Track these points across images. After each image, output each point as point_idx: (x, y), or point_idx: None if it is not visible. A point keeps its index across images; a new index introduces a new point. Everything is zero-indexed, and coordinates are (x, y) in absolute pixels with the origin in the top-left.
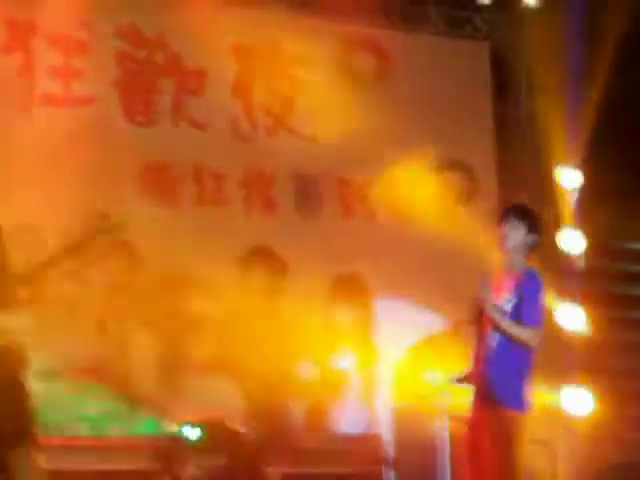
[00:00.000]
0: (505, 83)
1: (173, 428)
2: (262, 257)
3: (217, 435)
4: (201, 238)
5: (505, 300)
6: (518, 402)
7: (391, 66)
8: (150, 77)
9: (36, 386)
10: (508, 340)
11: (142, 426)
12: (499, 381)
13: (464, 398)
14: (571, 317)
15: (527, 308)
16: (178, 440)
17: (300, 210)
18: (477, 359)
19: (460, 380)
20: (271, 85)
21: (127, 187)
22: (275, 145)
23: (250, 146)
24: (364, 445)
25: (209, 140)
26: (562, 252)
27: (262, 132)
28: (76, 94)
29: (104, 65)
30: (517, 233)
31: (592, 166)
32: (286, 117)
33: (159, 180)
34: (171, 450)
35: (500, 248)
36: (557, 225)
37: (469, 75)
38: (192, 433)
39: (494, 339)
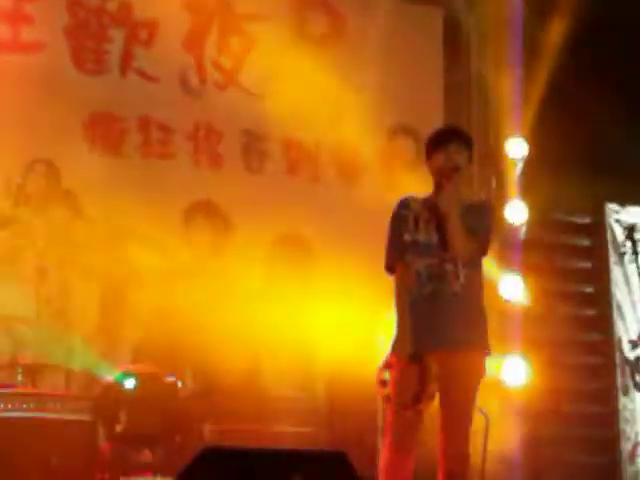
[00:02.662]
0: (457, 51)
1: (109, 376)
2: (206, 211)
3: (152, 387)
4: (146, 190)
5: None
6: None
7: (344, 28)
8: (100, 26)
9: None
10: None
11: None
12: None
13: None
14: (512, 287)
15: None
16: (112, 390)
17: (247, 167)
18: None
19: None
20: (223, 40)
21: (72, 136)
22: (224, 101)
23: (199, 100)
24: (299, 405)
25: (158, 92)
26: (506, 222)
27: (212, 87)
28: (25, 40)
29: (54, 12)
30: (465, 161)
31: (539, 138)
32: (237, 73)
33: (105, 130)
34: (105, 400)
35: (446, 177)
36: (502, 195)
37: (422, 41)
38: (128, 382)
39: None
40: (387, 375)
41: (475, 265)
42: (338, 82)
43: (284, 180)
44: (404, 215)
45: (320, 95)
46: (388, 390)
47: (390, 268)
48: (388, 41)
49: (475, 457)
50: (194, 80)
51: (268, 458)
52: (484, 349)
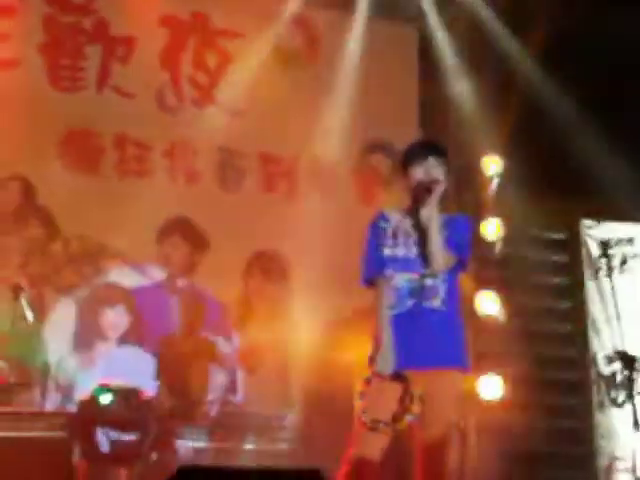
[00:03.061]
0: (432, 68)
1: (86, 391)
2: (182, 228)
3: (129, 404)
4: (122, 207)
5: None
6: None
7: (320, 45)
8: (76, 43)
9: None
10: None
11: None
12: None
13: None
14: (488, 303)
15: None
16: (88, 407)
17: (223, 184)
18: None
19: None
20: (199, 57)
21: (48, 153)
22: (201, 117)
23: (175, 117)
24: (275, 423)
25: (134, 109)
26: (482, 239)
27: (188, 104)
28: (1, 57)
29: (31, 29)
30: (443, 176)
31: (514, 154)
32: (213, 90)
33: (81, 147)
34: (81, 418)
35: (427, 191)
36: (478, 212)
37: (397, 58)
38: (104, 397)
39: None
40: (365, 389)
41: (454, 281)
42: (314, 98)
43: (260, 197)
44: (383, 228)
45: (296, 111)
46: (365, 404)
47: (368, 281)
48: (363, 58)
49: (450, 472)
50: (170, 97)
51: (244, 476)
52: (465, 366)
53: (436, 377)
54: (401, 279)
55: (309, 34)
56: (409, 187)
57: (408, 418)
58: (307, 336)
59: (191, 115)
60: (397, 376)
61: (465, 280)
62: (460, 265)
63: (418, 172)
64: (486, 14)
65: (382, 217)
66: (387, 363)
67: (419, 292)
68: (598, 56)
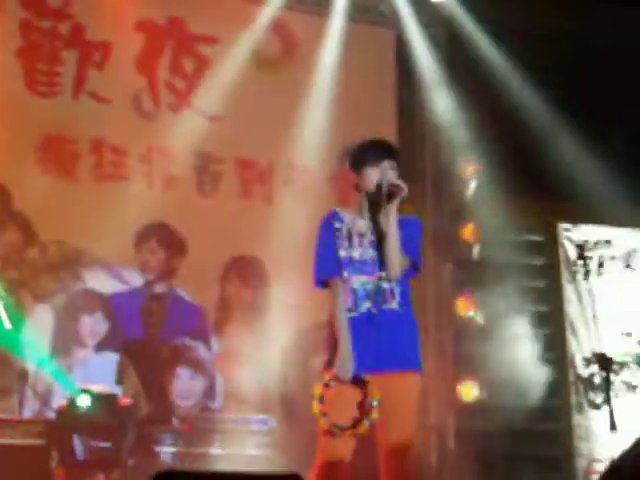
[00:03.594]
0: (409, 71)
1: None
2: (159, 233)
3: (107, 409)
4: (99, 212)
5: None
6: None
7: (297, 50)
8: (53, 48)
9: None
10: None
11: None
12: None
13: None
14: (466, 306)
15: None
16: (66, 415)
17: (200, 189)
18: None
19: None
20: (176, 62)
21: (25, 158)
22: (178, 122)
23: (152, 122)
24: (253, 428)
25: (111, 114)
26: (459, 242)
27: (165, 109)
28: None
29: (7, 34)
30: (396, 177)
31: (491, 157)
32: (190, 95)
33: (57, 152)
34: (59, 425)
35: (388, 196)
36: (455, 216)
37: (374, 62)
38: (83, 400)
39: None
40: (325, 393)
41: (406, 283)
42: (291, 103)
43: (237, 202)
44: (337, 228)
45: (273, 116)
46: (324, 407)
47: (321, 283)
48: (341, 62)
49: (428, 474)
50: (147, 102)
51: None
52: (419, 368)
53: (395, 380)
54: (358, 282)
55: (286, 39)
56: (361, 187)
57: (367, 423)
58: (284, 341)
59: (168, 120)
60: (357, 380)
61: (442, 283)
62: (413, 268)
63: (372, 174)
64: (463, 17)
65: (335, 216)
66: (346, 367)
67: (376, 295)
68: (574, 60)
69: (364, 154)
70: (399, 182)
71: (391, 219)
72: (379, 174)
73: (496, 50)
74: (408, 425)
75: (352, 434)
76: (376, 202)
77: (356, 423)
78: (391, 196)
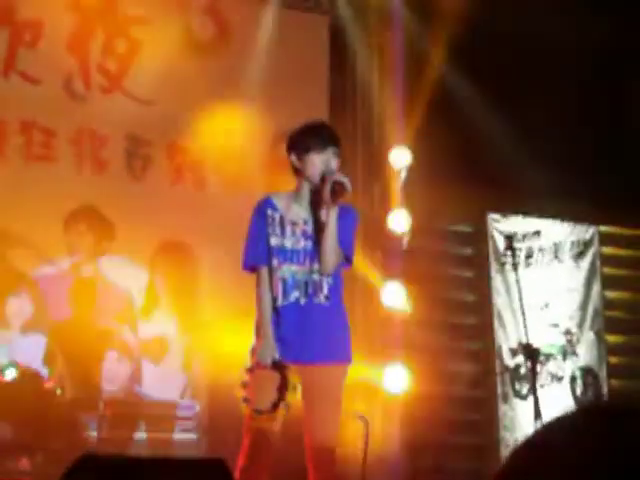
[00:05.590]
0: (342, 59)
1: None
2: (88, 217)
3: (32, 391)
4: (27, 194)
5: None
6: None
7: (231, 35)
8: None
9: None
10: None
11: None
12: None
13: None
14: (394, 295)
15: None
16: None
17: (130, 172)
18: None
19: None
20: (108, 44)
21: None
22: (109, 105)
23: (83, 104)
24: (180, 412)
25: (41, 95)
26: (389, 231)
27: (96, 91)
28: None
29: None
30: (338, 166)
31: (422, 147)
32: (122, 78)
33: None
34: None
35: (334, 190)
36: (385, 204)
37: (308, 49)
38: (9, 372)
39: None
40: (248, 378)
41: (338, 275)
42: (223, 88)
43: (168, 186)
44: (269, 215)
45: (205, 101)
46: (247, 393)
47: (250, 268)
48: (274, 48)
49: (355, 463)
50: (78, 83)
51: (146, 466)
52: (346, 360)
53: (323, 371)
54: (287, 271)
55: (220, 23)
56: (302, 173)
57: (284, 406)
58: (212, 326)
59: (99, 102)
60: (276, 365)
61: (371, 272)
62: (346, 261)
63: (317, 161)
64: (397, 4)
65: (269, 203)
66: (267, 353)
67: (305, 286)
68: (508, 50)
69: (308, 139)
70: (344, 180)
71: (332, 217)
72: (324, 161)
73: (430, 37)
74: (334, 415)
75: (270, 418)
76: (318, 195)
77: (274, 407)
78: (334, 194)
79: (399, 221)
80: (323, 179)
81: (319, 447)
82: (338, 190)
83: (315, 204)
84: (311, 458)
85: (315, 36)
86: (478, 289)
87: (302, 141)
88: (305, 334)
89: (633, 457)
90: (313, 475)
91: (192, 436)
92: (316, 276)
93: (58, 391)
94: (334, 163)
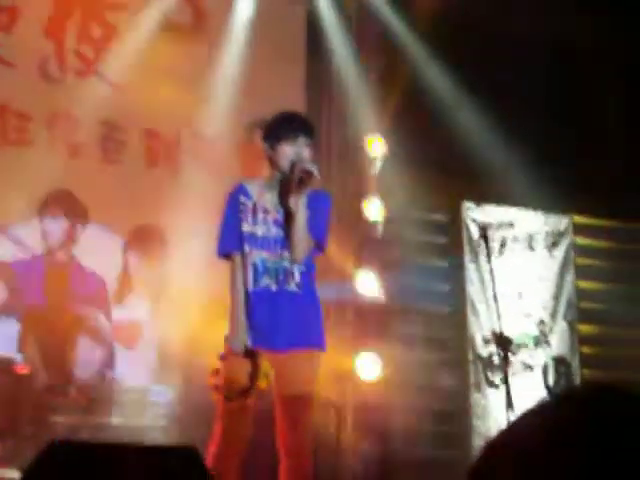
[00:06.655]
0: (318, 46)
1: None
2: (62, 201)
3: (3, 376)
4: (1, 178)
5: None
6: None
7: (207, 21)
8: None
9: None
10: None
11: None
12: None
13: None
14: (368, 284)
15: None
16: None
17: (105, 157)
18: None
19: None
20: (85, 29)
21: None
22: (84, 90)
23: (58, 89)
24: (153, 398)
25: (16, 79)
26: (363, 220)
27: (72, 75)
28: None
29: None
30: (311, 155)
31: (397, 135)
32: (97, 62)
33: None
34: None
35: (301, 179)
36: (360, 192)
37: (284, 36)
38: None
39: None
40: (220, 365)
41: (311, 263)
42: (199, 74)
43: (143, 171)
44: (242, 202)
45: (181, 87)
46: (219, 380)
47: (223, 255)
48: (251, 34)
49: (327, 451)
50: (54, 68)
51: (117, 452)
52: (318, 346)
53: (291, 358)
54: (259, 257)
55: (196, 9)
56: (274, 162)
57: (254, 393)
58: (186, 312)
59: (74, 87)
60: (248, 352)
61: (345, 260)
62: (318, 248)
63: (288, 151)
64: None
65: (242, 190)
66: (239, 340)
67: (275, 273)
68: (482, 39)
69: (280, 128)
70: (312, 169)
71: (300, 206)
72: (294, 150)
73: (406, 26)
74: (307, 402)
75: (242, 405)
76: (286, 184)
77: (245, 394)
78: (302, 182)
79: (374, 209)
80: (292, 167)
81: (292, 434)
82: (305, 178)
83: (284, 192)
84: (284, 444)
85: (292, 23)
86: (452, 278)
87: (274, 131)
88: (276, 321)
89: (606, 451)
90: (285, 463)
91: (164, 422)
92: (287, 263)
93: (30, 376)
94: (305, 153)
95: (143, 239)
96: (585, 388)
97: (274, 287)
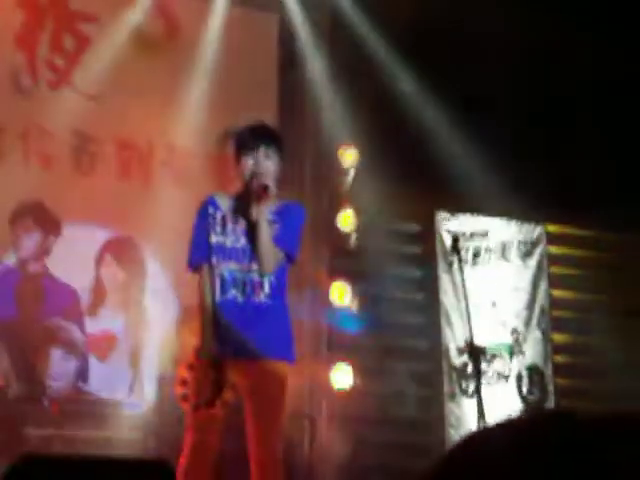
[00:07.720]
0: (291, 56)
1: None
2: (34, 213)
3: None
4: None
5: None
6: None
7: (179, 32)
8: None
9: None
10: None
11: None
12: None
13: None
14: (341, 294)
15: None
16: None
17: (77, 168)
18: None
19: None
20: (57, 39)
21: None
22: (56, 101)
23: (30, 100)
24: (126, 410)
25: None
26: (336, 230)
27: (44, 86)
28: None
29: None
30: (276, 166)
31: (370, 145)
32: (70, 73)
33: None
34: None
35: (258, 188)
36: (333, 203)
37: (257, 46)
38: None
39: None
40: (188, 375)
41: (282, 274)
42: (171, 85)
43: (115, 183)
44: (212, 214)
45: (154, 98)
46: (186, 390)
47: (194, 267)
48: (223, 45)
49: (301, 460)
50: (25, 79)
51: (88, 465)
52: (288, 358)
53: (257, 369)
54: (226, 269)
55: (169, 20)
56: (239, 175)
57: (220, 403)
58: (159, 323)
59: (46, 98)
60: (214, 362)
61: (319, 271)
62: (289, 260)
63: (248, 162)
64: (346, 3)
65: (211, 202)
66: (207, 350)
67: (242, 285)
68: (457, 50)
69: (240, 140)
70: (267, 182)
71: (261, 218)
72: (253, 164)
73: (379, 36)
74: (276, 413)
75: (209, 415)
76: (247, 196)
77: (210, 403)
78: (259, 196)
79: (347, 220)
80: (250, 180)
81: (263, 445)
82: (261, 193)
83: (245, 204)
84: (255, 456)
85: (265, 34)
86: (426, 288)
87: (236, 142)
88: (244, 332)
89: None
90: (256, 475)
91: (139, 435)
92: (255, 275)
93: (1, 388)
94: (267, 164)
95: (116, 251)
96: (545, 414)
97: (240, 298)
